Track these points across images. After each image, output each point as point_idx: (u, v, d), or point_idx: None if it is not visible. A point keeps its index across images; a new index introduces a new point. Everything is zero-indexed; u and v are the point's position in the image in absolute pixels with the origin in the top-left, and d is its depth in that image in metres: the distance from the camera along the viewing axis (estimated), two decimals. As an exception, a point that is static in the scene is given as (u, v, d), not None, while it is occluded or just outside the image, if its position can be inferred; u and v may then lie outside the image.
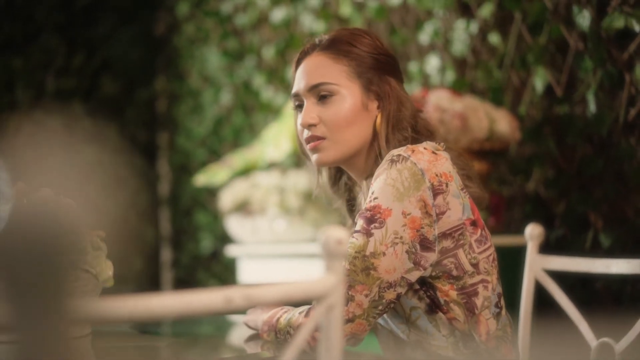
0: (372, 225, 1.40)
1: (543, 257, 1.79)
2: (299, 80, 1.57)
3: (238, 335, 1.75)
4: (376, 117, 1.55)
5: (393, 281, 1.39)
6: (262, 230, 3.02)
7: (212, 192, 3.93)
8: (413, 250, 1.40)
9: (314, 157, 1.55)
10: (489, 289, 1.46)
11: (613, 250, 2.30)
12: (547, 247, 1.92)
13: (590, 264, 1.71)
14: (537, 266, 1.79)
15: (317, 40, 1.59)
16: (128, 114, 4.33)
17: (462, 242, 1.43)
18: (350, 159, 1.56)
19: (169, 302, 0.88)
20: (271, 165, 3.25)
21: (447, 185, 1.43)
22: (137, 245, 4.22)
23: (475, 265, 1.45)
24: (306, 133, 1.55)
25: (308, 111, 1.54)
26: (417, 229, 1.40)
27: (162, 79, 4.47)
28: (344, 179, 1.67)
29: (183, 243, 4.36)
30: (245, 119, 4.00)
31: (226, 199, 3.10)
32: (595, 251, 2.36)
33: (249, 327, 1.61)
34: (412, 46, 3.07)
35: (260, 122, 3.84)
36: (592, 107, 2.35)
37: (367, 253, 1.39)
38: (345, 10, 3.25)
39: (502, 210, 2.56)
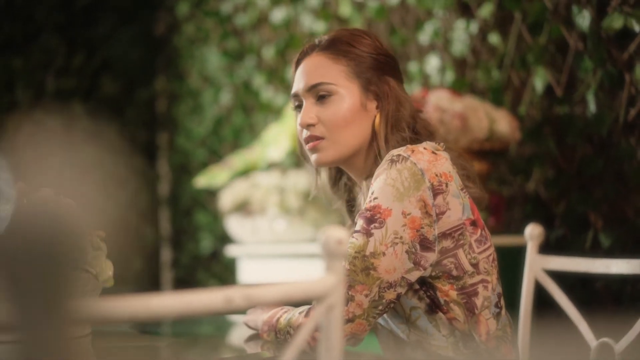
0: (372, 225, 1.40)
1: (543, 257, 1.79)
2: (298, 80, 1.57)
3: (238, 335, 1.75)
4: (375, 117, 1.55)
5: (393, 281, 1.39)
6: (262, 231, 3.03)
7: (212, 192, 3.93)
8: (413, 250, 1.40)
9: (313, 157, 1.55)
10: (489, 289, 1.46)
11: (613, 250, 2.30)
12: (547, 247, 1.93)
13: (590, 264, 1.71)
14: (537, 266, 1.79)
15: (316, 40, 1.60)
16: (128, 114, 4.33)
17: (462, 242, 1.43)
18: (349, 159, 1.56)
19: (169, 302, 0.88)
20: (271, 165, 3.25)
21: (447, 185, 1.43)
22: (137, 245, 4.22)
23: (475, 265, 1.45)
24: (305, 133, 1.55)
25: (307, 111, 1.55)
26: (417, 229, 1.40)
27: (162, 79, 4.47)
28: (343, 180, 1.67)
29: (183, 243, 4.36)
30: (245, 119, 4.00)
31: (226, 199, 3.10)
32: (595, 251, 2.36)
33: (249, 327, 1.61)
34: (412, 46, 3.07)
35: (260, 122, 3.84)
36: (592, 107, 2.35)
37: (367, 253, 1.39)
38: (345, 10, 3.25)
39: (502, 210, 2.56)
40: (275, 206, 2.96)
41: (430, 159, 1.44)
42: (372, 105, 1.55)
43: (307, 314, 1.42)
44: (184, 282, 4.33)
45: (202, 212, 4.20)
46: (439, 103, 2.41)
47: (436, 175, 1.42)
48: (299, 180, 2.99)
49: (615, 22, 2.22)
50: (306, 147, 1.56)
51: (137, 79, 4.38)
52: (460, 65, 2.88)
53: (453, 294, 1.44)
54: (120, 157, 4.05)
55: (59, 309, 0.75)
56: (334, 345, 1.02)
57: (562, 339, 1.83)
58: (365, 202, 1.47)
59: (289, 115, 3.13)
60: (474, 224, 1.45)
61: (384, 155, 1.49)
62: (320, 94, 1.54)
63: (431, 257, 1.42)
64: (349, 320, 1.38)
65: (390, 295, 1.40)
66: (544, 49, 2.54)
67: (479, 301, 1.45)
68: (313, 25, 3.45)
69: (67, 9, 4.13)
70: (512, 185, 2.73)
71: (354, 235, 1.41)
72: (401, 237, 1.39)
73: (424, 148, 1.46)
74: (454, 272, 1.43)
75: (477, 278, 1.45)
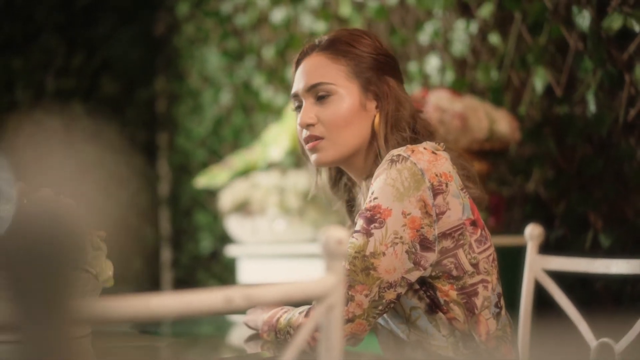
0: (372, 225, 1.40)
1: (543, 258, 1.79)
2: (298, 80, 1.57)
3: (238, 335, 1.75)
4: (375, 117, 1.55)
5: (393, 281, 1.39)
6: (262, 231, 3.02)
7: (212, 192, 3.93)
8: (413, 250, 1.40)
9: (312, 157, 1.55)
10: (488, 289, 1.46)
11: (613, 251, 2.30)
12: (547, 248, 1.93)
13: (590, 264, 1.71)
14: (537, 266, 1.79)
15: (316, 40, 1.60)
16: (128, 114, 4.33)
17: (462, 242, 1.43)
18: (349, 159, 1.56)
19: (169, 302, 0.88)
20: (271, 166, 3.25)
21: (447, 185, 1.43)
22: (137, 245, 4.22)
23: (475, 265, 1.45)
24: (305, 133, 1.55)
25: (306, 111, 1.55)
26: (417, 229, 1.40)
27: (162, 79, 4.47)
28: (343, 180, 1.67)
29: (183, 243, 4.36)
30: (245, 119, 4.00)
31: (226, 199, 3.10)
32: (595, 251, 2.36)
33: (249, 327, 1.61)
34: (412, 46, 3.07)
35: (260, 122, 3.84)
36: (592, 107, 2.35)
37: (367, 253, 1.39)
38: (345, 10, 3.25)
39: (502, 211, 2.56)
40: (275, 206, 2.96)
41: (430, 159, 1.44)
42: (372, 105, 1.55)
43: (307, 314, 1.42)
44: (184, 282, 4.33)
45: (202, 212, 4.20)
46: (439, 103, 2.41)
47: (436, 175, 1.42)
48: (299, 180, 2.99)
49: (615, 22, 2.22)
50: (306, 147, 1.56)
51: (137, 79, 4.38)
52: (460, 65, 2.88)
53: (453, 294, 1.44)
54: (121, 157, 4.05)
55: (59, 309, 0.75)
56: (334, 345, 1.02)
57: (562, 339, 1.83)
58: (365, 202, 1.47)
59: (289, 116, 3.13)
60: (474, 224, 1.45)
61: (383, 155, 1.49)
62: (319, 94, 1.54)
63: (431, 257, 1.42)
64: (349, 320, 1.38)
65: (390, 295, 1.40)
66: (544, 49, 2.54)
67: (479, 301, 1.45)
68: (313, 25, 3.45)
69: (67, 9, 4.13)
70: (512, 185, 2.73)
71: (354, 235, 1.41)
72: (401, 237, 1.39)
73: (424, 148, 1.46)
74: (454, 272, 1.43)
75: (477, 278, 1.45)
